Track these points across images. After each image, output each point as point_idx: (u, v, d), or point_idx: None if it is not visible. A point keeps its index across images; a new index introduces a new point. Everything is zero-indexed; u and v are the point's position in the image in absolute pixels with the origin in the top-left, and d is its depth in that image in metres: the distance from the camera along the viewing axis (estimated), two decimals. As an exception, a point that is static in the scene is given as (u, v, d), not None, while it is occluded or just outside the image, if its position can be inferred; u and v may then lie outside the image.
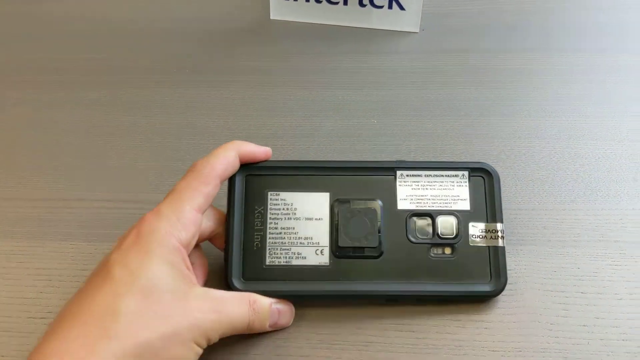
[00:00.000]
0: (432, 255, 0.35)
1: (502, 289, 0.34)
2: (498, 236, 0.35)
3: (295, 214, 0.35)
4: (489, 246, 0.35)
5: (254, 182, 0.35)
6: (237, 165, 0.34)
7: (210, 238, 0.35)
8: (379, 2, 0.49)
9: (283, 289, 0.33)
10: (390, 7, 0.49)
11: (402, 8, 0.49)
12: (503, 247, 0.35)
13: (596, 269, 0.37)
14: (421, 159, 0.42)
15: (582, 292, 0.36)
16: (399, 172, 0.36)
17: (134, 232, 0.30)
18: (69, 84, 0.49)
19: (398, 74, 0.48)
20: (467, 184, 0.36)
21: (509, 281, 0.35)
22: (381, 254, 0.34)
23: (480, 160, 0.37)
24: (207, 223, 0.34)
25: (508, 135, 0.43)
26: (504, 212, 0.36)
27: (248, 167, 0.35)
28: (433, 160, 0.38)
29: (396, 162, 0.36)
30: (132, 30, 0.53)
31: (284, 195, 0.35)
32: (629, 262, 0.37)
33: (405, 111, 0.45)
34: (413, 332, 0.34)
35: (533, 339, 0.34)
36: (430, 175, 0.36)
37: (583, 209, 0.39)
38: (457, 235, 0.35)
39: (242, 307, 0.31)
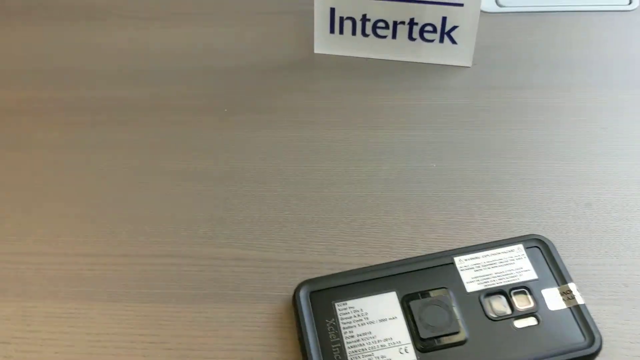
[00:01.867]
0: (518, 328, 0.33)
1: (600, 346, 0.33)
2: (574, 295, 0.34)
3: (367, 318, 0.33)
4: (570, 307, 0.34)
5: (318, 297, 0.35)
6: None
7: None
8: (430, 36, 0.47)
9: None
10: (441, 41, 0.47)
11: (454, 42, 0.47)
12: (584, 304, 0.34)
13: (685, 330, 0.34)
14: (487, 209, 0.40)
15: (672, 357, 0.34)
16: (456, 259, 0.36)
17: None
18: (98, 124, 0.46)
19: (451, 112, 0.46)
20: (525, 256, 0.36)
21: None
22: (466, 339, 0.33)
23: (532, 233, 0.37)
24: None
25: (575, 181, 0.41)
26: (578, 265, 0.36)
27: (309, 284, 0.35)
28: (485, 242, 0.37)
29: (451, 251, 0.36)
30: (168, 67, 0.51)
31: (351, 303, 0.34)
32: None
33: (463, 153, 0.43)
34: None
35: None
36: (487, 255, 0.36)
37: (662, 263, 0.37)
38: (535, 304, 0.34)
39: None
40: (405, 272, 0.35)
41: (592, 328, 0.33)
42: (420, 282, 0.35)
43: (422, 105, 0.46)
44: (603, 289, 0.36)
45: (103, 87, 0.50)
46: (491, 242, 0.37)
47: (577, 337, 0.33)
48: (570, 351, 0.32)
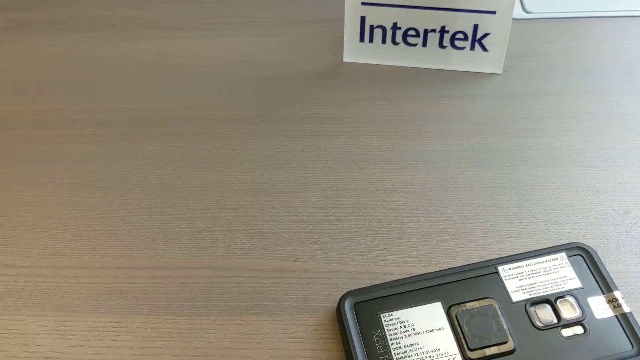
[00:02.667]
0: (565, 337, 0.33)
1: None
2: (620, 303, 0.34)
3: (414, 329, 0.33)
4: (616, 315, 0.34)
5: (363, 308, 0.34)
6: None
7: None
8: (460, 44, 0.47)
9: None
10: (472, 48, 0.47)
11: (485, 49, 0.47)
12: (630, 312, 0.34)
13: None
14: (525, 218, 0.39)
15: None
16: (500, 268, 0.36)
17: None
18: (130, 136, 0.46)
19: (483, 120, 0.45)
20: (569, 264, 0.36)
21: None
22: (514, 348, 0.32)
23: (574, 241, 0.37)
24: None
25: (612, 188, 0.41)
26: (620, 273, 0.36)
27: (353, 295, 0.35)
28: (527, 250, 0.37)
29: (494, 260, 0.36)
30: (197, 77, 0.51)
31: (396, 314, 0.34)
32: None
33: (499, 161, 0.43)
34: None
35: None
36: (530, 264, 0.36)
37: None
38: (581, 313, 0.34)
39: None
40: (449, 282, 0.35)
41: (639, 335, 0.33)
42: (465, 292, 0.35)
43: (454, 113, 0.46)
44: (648, 297, 0.36)
45: (130, 99, 0.50)
46: (534, 251, 0.37)
47: (624, 345, 0.33)
48: (619, 359, 0.32)
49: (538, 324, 0.33)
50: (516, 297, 0.34)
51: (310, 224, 0.40)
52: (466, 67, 0.48)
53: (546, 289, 0.35)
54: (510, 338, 0.33)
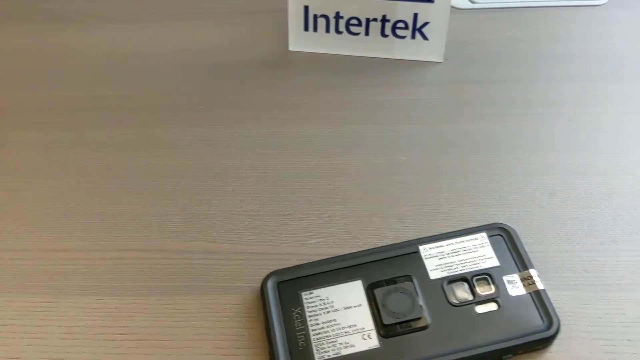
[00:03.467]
0: (478, 313, 0.34)
1: (558, 329, 0.33)
2: (535, 281, 0.35)
3: (333, 306, 0.34)
4: (530, 292, 0.35)
5: (285, 287, 0.35)
6: None
7: None
8: (402, 32, 0.48)
9: None
10: (413, 37, 0.48)
11: (425, 38, 0.48)
12: (544, 290, 0.35)
13: (642, 314, 0.35)
14: (454, 200, 0.40)
15: (629, 340, 0.34)
16: (421, 247, 0.37)
17: None
18: (76, 123, 0.47)
19: (423, 107, 0.46)
20: (489, 243, 0.37)
21: (554, 349, 0.34)
22: (428, 324, 0.34)
23: (496, 221, 0.38)
24: None
25: (541, 172, 0.42)
26: (542, 252, 0.37)
27: (277, 274, 0.36)
28: (450, 231, 0.38)
29: (416, 240, 0.37)
30: (141, 65, 0.51)
31: (317, 292, 0.35)
32: (679, 307, 0.35)
33: (433, 147, 0.44)
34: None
35: (584, 393, 0.32)
36: (451, 244, 0.37)
37: (625, 249, 0.38)
38: (496, 290, 0.35)
39: None
40: (371, 262, 0.36)
41: (551, 312, 0.34)
42: (386, 271, 0.36)
43: (394, 100, 0.47)
44: (565, 274, 0.36)
45: (80, 88, 0.51)
46: (455, 231, 0.38)
47: (535, 320, 0.34)
48: (529, 334, 0.33)
49: (453, 300, 0.34)
50: (434, 275, 0.35)
51: (245, 207, 0.41)
52: (408, 55, 0.49)
53: (464, 268, 0.36)
54: (424, 314, 0.34)
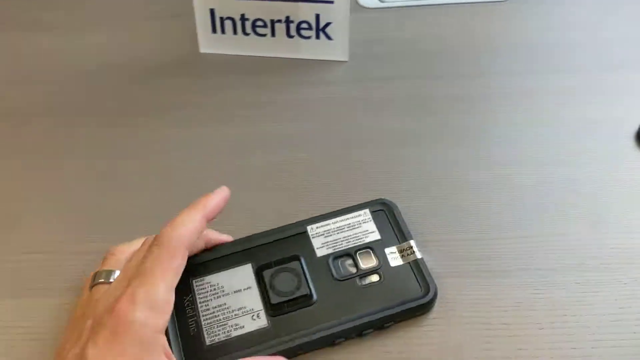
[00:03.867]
0: (362, 285, 0.36)
1: (435, 296, 0.36)
2: (413, 251, 0.37)
3: (223, 291, 0.35)
4: (409, 262, 0.37)
5: None
6: (203, 229, 0.34)
7: None
8: (306, 33, 0.49)
9: None
10: (317, 37, 0.49)
11: (329, 38, 0.49)
12: (422, 259, 0.37)
13: (519, 298, 0.37)
14: (349, 193, 0.42)
15: (505, 324, 0.36)
16: (309, 227, 0.38)
17: (110, 322, 0.29)
18: None
19: (327, 105, 0.48)
20: (371, 219, 0.39)
21: (433, 316, 0.35)
22: (315, 299, 0.35)
23: (382, 197, 0.40)
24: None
25: (436, 164, 0.44)
26: (429, 243, 0.39)
27: None
28: (338, 209, 0.39)
29: (304, 220, 0.39)
30: (52, 70, 0.52)
31: (208, 278, 0.36)
32: (551, 290, 0.37)
33: (335, 143, 0.45)
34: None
35: (457, 374, 0.34)
36: (337, 221, 0.39)
37: (508, 237, 0.39)
38: (378, 262, 0.37)
39: None
40: (261, 244, 0.37)
41: (428, 279, 0.36)
42: (275, 253, 0.37)
43: (299, 99, 0.48)
44: (448, 262, 0.38)
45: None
46: (341, 209, 0.39)
47: (414, 288, 0.36)
48: (408, 302, 0.35)
49: (337, 276, 0.36)
50: (320, 252, 0.37)
51: (138, 210, 0.41)
52: (314, 55, 0.50)
53: (348, 244, 0.38)
54: (311, 291, 0.35)
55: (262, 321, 0.34)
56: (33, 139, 0.46)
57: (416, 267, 0.37)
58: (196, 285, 0.36)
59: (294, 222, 0.39)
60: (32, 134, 0.47)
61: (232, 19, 0.49)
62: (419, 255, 0.37)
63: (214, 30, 0.50)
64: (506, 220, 0.40)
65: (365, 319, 0.35)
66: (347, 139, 0.45)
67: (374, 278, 0.36)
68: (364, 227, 0.38)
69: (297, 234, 0.38)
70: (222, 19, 0.49)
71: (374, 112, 0.47)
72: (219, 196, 0.35)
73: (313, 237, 0.38)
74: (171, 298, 0.31)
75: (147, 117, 0.47)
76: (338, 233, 0.38)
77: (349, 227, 0.38)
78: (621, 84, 0.49)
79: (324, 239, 0.38)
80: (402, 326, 0.35)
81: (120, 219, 0.41)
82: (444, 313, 0.36)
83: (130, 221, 0.41)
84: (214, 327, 0.34)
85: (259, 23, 0.49)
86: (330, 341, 0.35)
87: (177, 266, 0.31)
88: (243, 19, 0.49)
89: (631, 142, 0.45)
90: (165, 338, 0.30)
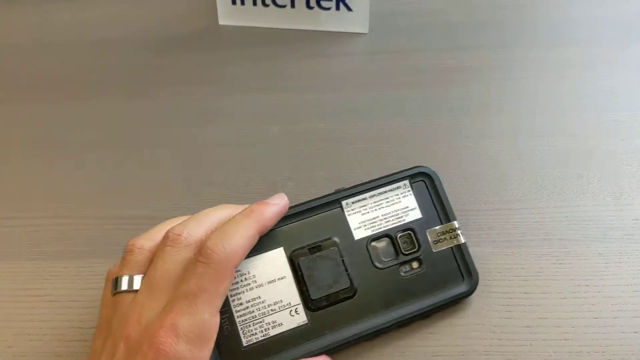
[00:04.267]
0: (403, 274, 0.34)
1: (476, 285, 0.34)
2: (457, 234, 0.35)
3: (255, 281, 0.32)
4: (451, 247, 0.35)
5: None
6: (254, 244, 0.31)
7: None
8: (326, 4, 0.48)
9: None
10: (337, 8, 0.48)
11: (349, 9, 0.48)
12: (465, 243, 0.35)
13: (540, 268, 0.36)
14: (369, 164, 0.41)
15: (526, 293, 0.36)
16: (344, 202, 0.35)
17: (150, 354, 0.27)
18: (5, 98, 0.47)
19: (346, 76, 0.47)
20: (412, 192, 0.36)
21: None
22: (355, 291, 0.33)
23: (420, 165, 0.37)
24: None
25: (454, 136, 0.43)
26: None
27: None
28: (372, 179, 0.36)
29: (337, 192, 0.35)
30: (69, 43, 0.51)
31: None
32: (573, 260, 0.37)
33: (352, 114, 0.45)
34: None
35: (477, 342, 0.34)
36: (374, 195, 0.35)
37: (528, 208, 0.39)
38: (419, 247, 0.35)
39: None
40: (293, 223, 0.34)
41: (471, 267, 0.34)
42: (308, 233, 0.34)
43: (319, 70, 0.48)
44: (469, 232, 0.38)
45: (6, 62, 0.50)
46: (378, 179, 0.36)
47: (456, 276, 0.34)
48: (450, 290, 0.34)
49: (377, 264, 0.34)
50: (358, 234, 0.34)
51: (161, 177, 0.42)
52: (334, 27, 0.50)
53: (387, 223, 0.35)
54: (352, 283, 0.33)
55: (301, 317, 0.32)
56: (35, 112, 0.46)
57: (459, 252, 0.35)
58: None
59: (327, 194, 0.35)
60: (35, 107, 0.47)
61: (252, -10, 0.49)
62: (462, 239, 0.35)
63: (234, 2, 0.49)
64: (527, 190, 0.40)
65: (407, 311, 0.33)
66: (364, 110, 0.45)
67: (415, 265, 0.34)
68: (404, 202, 0.35)
69: (331, 209, 0.35)
70: (241, -10, 0.49)
71: (391, 85, 0.46)
72: (277, 207, 0.32)
73: (349, 215, 0.35)
74: (216, 324, 0.28)
75: (166, 89, 0.47)
76: (376, 210, 0.35)
77: (387, 202, 0.35)
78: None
79: (361, 216, 0.35)
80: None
81: (139, 189, 0.41)
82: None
83: (149, 191, 0.41)
84: (250, 326, 0.31)
85: (279, -6, 0.48)
86: (372, 336, 0.33)
87: (224, 290, 0.29)
88: (262, -11, 0.49)
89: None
90: None
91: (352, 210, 0.35)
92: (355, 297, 0.33)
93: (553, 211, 0.39)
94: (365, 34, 0.50)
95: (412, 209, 0.35)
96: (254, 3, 0.49)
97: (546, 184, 0.40)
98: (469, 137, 0.43)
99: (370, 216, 0.35)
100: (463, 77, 0.46)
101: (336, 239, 0.34)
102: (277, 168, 0.42)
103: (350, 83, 0.47)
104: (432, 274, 0.34)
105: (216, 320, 0.28)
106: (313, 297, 0.32)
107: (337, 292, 0.33)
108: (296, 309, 0.32)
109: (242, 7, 0.50)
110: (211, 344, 0.28)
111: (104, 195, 0.41)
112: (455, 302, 0.35)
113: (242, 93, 0.47)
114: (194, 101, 0.46)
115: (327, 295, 0.33)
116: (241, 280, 0.32)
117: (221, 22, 0.51)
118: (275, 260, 0.33)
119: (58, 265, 0.38)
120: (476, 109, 0.45)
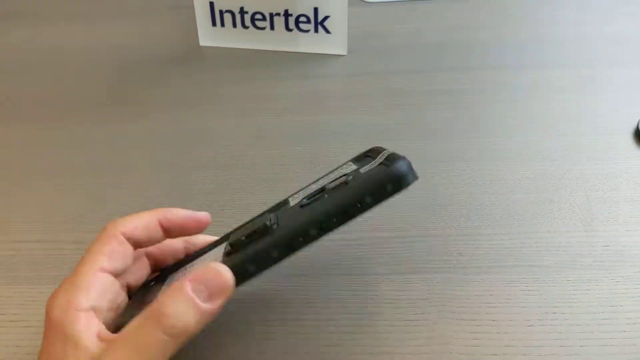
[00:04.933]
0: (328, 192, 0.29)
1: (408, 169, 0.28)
2: (386, 153, 0.30)
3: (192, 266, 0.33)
4: (382, 162, 0.29)
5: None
6: (156, 231, 0.32)
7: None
8: (305, 26, 0.49)
9: None
10: (316, 30, 0.49)
11: (327, 32, 0.49)
12: (393, 153, 0.29)
13: (509, 295, 0.37)
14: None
15: (494, 320, 0.36)
16: (290, 198, 0.33)
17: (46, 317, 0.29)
18: None
19: (324, 98, 0.48)
20: (352, 163, 0.32)
21: (421, 310, 0.35)
22: (275, 228, 0.29)
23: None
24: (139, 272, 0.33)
25: (429, 158, 0.43)
26: (418, 238, 0.38)
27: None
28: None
29: (288, 197, 0.33)
30: (50, 62, 0.52)
31: (183, 268, 0.33)
32: (542, 287, 0.37)
33: (329, 136, 0.45)
34: None
35: (443, 370, 0.34)
36: (318, 181, 0.33)
37: (500, 233, 0.39)
38: (346, 177, 0.30)
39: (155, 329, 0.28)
40: (243, 225, 0.32)
41: (397, 156, 0.28)
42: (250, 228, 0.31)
43: (295, 92, 0.48)
44: (439, 258, 0.38)
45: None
46: (327, 173, 0.33)
47: (385, 170, 0.28)
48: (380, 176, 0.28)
49: (304, 201, 0.30)
50: (294, 201, 0.32)
51: (138, 199, 0.42)
52: (313, 48, 0.50)
53: (323, 183, 0.31)
54: (270, 221, 0.29)
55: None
56: (28, 130, 0.47)
57: (389, 158, 0.29)
58: (170, 276, 0.33)
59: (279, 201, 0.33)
60: (26, 126, 0.47)
61: (232, 12, 0.49)
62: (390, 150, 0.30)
63: (214, 24, 0.50)
64: (498, 216, 0.40)
65: (340, 199, 0.28)
66: (341, 132, 0.45)
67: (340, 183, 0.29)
68: (343, 169, 0.32)
69: (279, 203, 0.33)
70: (221, 12, 0.49)
71: (368, 106, 0.47)
72: (188, 212, 0.33)
73: (292, 199, 0.32)
74: (97, 280, 0.29)
75: (145, 109, 0.48)
76: (315, 184, 0.32)
77: (326, 175, 0.33)
78: (621, 80, 0.48)
79: (302, 193, 0.32)
80: (390, 320, 0.35)
81: (117, 213, 0.41)
82: (433, 308, 0.36)
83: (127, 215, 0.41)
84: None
85: (258, 16, 0.49)
86: (316, 233, 0.28)
87: (109, 251, 0.30)
88: (242, 12, 0.49)
89: (629, 138, 0.44)
90: (92, 314, 0.28)
91: (297, 196, 0.33)
92: (276, 231, 0.29)
93: (524, 237, 0.39)
94: (344, 55, 0.50)
95: (350, 168, 0.31)
96: (234, 25, 0.50)
97: (517, 210, 0.40)
98: (441, 162, 0.43)
99: (309, 189, 0.32)
100: (438, 100, 0.47)
101: (270, 215, 0.31)
102: (253, 191, 0.42)
103: (329, 105, 0.47)
104: (359, 181, 0.29)
105: (97, 277, 0.29)
106: (231, 241, 0.30)
107: (255, 230, 0.29)
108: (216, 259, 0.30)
109: (222, 28, 0.50)
110: (91, 292, 0.29)
111: (81, 220, 0.41)
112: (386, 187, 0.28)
113: (220, 116, 0.47)
114: (171, 124, 0.47)
115: (244, 236, 0.29)
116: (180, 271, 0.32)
117: (202, 43, 0.52)
118: (216, 251, 0.33)
119: (34, 290, 0.38)
120: (450, 132, 0.45)
